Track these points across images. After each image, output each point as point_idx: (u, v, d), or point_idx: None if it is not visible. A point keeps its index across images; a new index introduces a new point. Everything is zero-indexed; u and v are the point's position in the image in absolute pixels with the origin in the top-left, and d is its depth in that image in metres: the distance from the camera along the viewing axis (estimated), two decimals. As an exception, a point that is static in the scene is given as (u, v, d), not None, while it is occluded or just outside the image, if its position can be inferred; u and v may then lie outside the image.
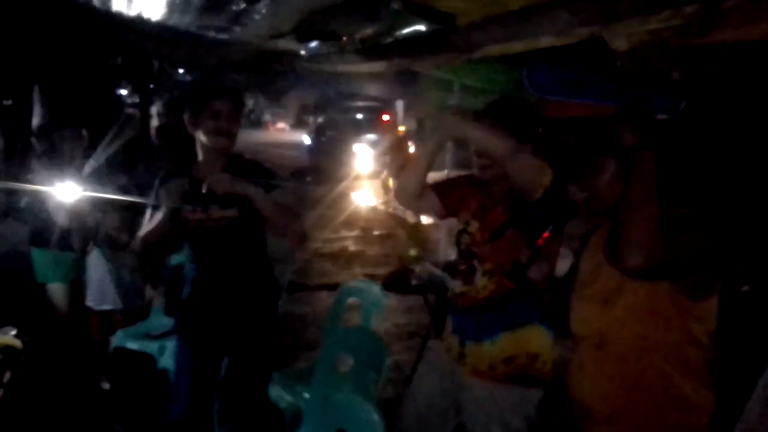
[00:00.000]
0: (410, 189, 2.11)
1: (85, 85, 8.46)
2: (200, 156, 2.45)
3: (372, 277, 5.55)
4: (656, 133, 1.46)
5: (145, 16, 3.20)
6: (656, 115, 3.00)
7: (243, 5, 2.45)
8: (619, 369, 1.56)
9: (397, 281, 4.08)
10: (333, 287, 4.20)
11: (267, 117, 29.35)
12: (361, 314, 3.55)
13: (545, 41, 2.01)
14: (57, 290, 3.69)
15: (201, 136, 2.38)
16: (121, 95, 12.57)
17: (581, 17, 1.83)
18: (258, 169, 2.45)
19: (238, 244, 2.44)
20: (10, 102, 9.10)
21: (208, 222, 2.35)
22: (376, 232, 8.67)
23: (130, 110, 10.44)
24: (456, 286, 2.14)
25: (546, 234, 1.63)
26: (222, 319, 2.52)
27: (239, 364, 2.54)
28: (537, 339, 1.97)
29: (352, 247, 8.00)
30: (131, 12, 3.23)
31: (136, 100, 12.97)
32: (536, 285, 1.69)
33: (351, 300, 3.61)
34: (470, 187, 2.16)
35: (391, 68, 2.99)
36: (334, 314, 3.61)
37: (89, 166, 3.74)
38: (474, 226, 2.09)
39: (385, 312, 3.96)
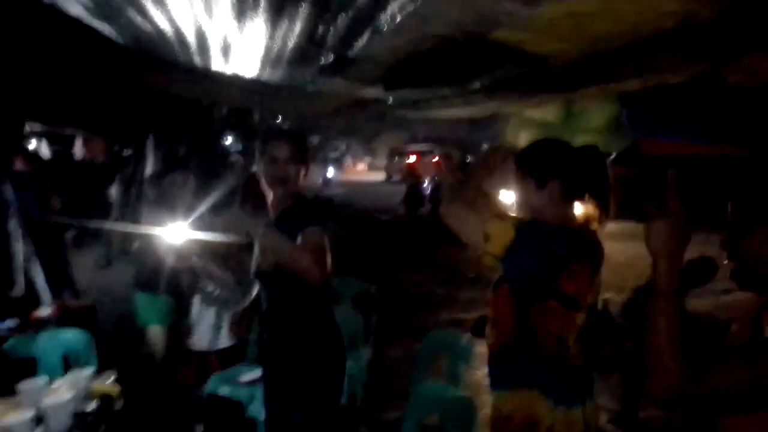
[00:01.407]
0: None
1: (194, 136, 9.06)
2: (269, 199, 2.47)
3: (461, 322, 5.36)
4: None
5: (241, 73, 3.35)
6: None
7: (330, 57, 2.48)
8: None
9: (484, 326, 3.87)
10: (421, 333, 4.09)
11: (348, 159, 30.89)
12: (448, 365, 3.39)
13: (650, 80, 1.85)
14: (156, 333, 3.83)
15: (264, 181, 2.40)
16: (226, 144, 13.39)
17: (691, 54, 1.66)
18: (322, 206, 2.43)
19: (293, 289, 2.40)
20: (130, 152, 9.91)
21: (266, 265, 2.34)
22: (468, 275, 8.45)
23: (234, 157, 11.03)
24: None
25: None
26: (284, 361, 2.49)
27: (303, 411, 2.49)
28: (536, 405, 1.75)
29: (439, 290, 7.83)
30: (228, 70, 3.40)
31: (240, 148, 13.80)
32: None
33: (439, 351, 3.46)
34: None
35: (483, 113, 2.91)
36: (420, 366, 3.47)
37: (196, 211, 3.90)
38: None
39: (475, 361, 3.78)
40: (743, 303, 1.41)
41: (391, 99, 3.31)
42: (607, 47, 1.89)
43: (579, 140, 3.80)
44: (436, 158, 16.18)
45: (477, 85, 2.53)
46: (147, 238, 3.72)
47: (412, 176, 14.40)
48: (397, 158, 20.18)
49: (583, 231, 1.69)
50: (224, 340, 4.33)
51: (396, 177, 16.81)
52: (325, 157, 30.30)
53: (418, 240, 10.11)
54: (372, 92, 3.20)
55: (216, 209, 4.13)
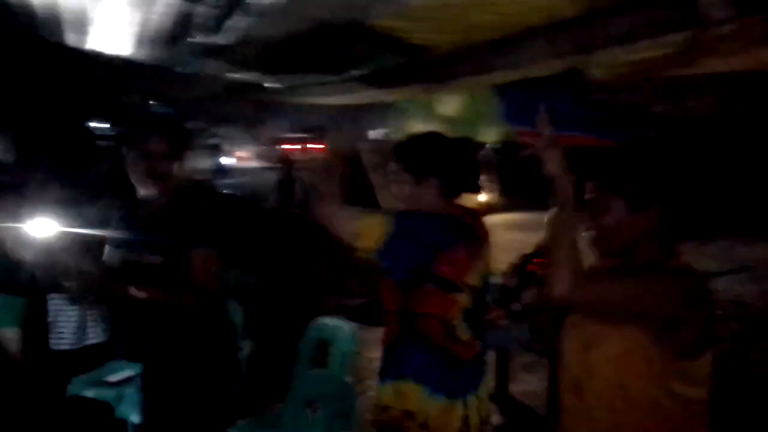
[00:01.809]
0: None
1: (52, 119, 8.29)
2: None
3: (347, 309, 5.38)
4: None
5: (109, 51, 3.08)
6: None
7: (203, 37, 2.33)
8: (593, 422, 1.44)
9: (369, 312, 3.92)
10: (305, 322, 4.04)
11: (226, 146, 30.37)
12: (332, 352, 3.39)
13: (518, 73, 1.93)
14: (9, 335, 3.46)
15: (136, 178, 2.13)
16: (90, 128, 12.36)
17: (556, 49, 1.76)
18: (207, 201, 2.24)
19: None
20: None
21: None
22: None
23: (103, 143, 10.26)
24: None
25: (537, 260, 1.52)
26: (166, 360, 2.35)
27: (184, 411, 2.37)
28: (410, 395, 1.83)
29: (324, 277, 7.79)
30: (96, 47, 3.12)
31: (108, 133, 12.80)
32: (531, 309, 1.57)
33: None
34: None
35: (361, 100, 2.91)
36: (303, 355, 3.43)
37: (56, 202, 3.53)
38: None
39: (359, 347, 3.81)
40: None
41: (269, 84, 3.21)
42: (480, 39, 1.95)
43: (458, 130, 3.93)
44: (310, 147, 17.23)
45: (356, 73, 2.52)
46: None
47: (285, 163, 14.36)
48: (272, 146, 20.99)
49: (458, 215, 1.72)
50: (89, 338, 4.02)
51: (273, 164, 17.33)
52: (213, 144, 29.25)
53: (300, 226, 9.99)
54: (250, 76, 3.09)
55: (78, 200, 3.80)
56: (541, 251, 1.53)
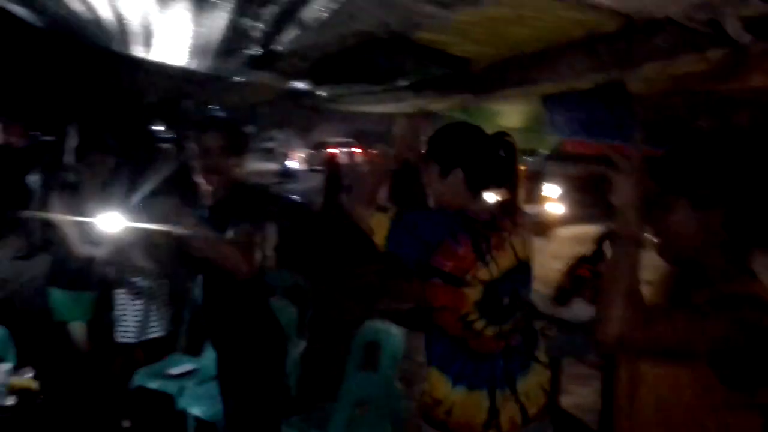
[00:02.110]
0: None
1: (120, 123, 8.73)
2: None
3: (396, 314, 5.45)
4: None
5: (169, 62, 3.28)
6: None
7: (256, 50, 2.47)
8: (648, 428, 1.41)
9: (417, 317, 3.96)
10: (356, 325, 4.14)
11: (281, 150, 31.10)
12: (381, 356, 3.47)
13: (561, 85, 1.95)
14: (77, 328, 3.70)
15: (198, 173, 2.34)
16: (154, 131, 12.93)
17: (598, 61, 1.77)
18: (262, 196, 2.40)
19: (224, 281, 2.35)
20: (53, 138, 9.46)
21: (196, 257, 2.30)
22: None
23: (165, 146, 10.72)
24: None
25: (587, 266, 1.50)
26: (221, 353, 2.48)
27: (239, 405, 2.49)
28: (437, 384, 1.85)
29: (375, 280, 7.90)
30: (156, 58, 3.32)
31: (171, 136, 13.37)
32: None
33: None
34: None
35: (407, 109, 2.98)
36: (353, 357, 3.53)
37: (124, 201, 3.75)
38: None
39: (407, 351, 3.87)
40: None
41: (321, 92, 3.33)
42: (523, 52, 1.99)
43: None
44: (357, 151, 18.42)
45: (403, 82, 2.59)
46: (67, 230, 3.56)
47: (331, 166, 15.17)
48: (318, 151, 21.93)
49: (470, 210, 1.69)
50: (153, 332, 4.25)
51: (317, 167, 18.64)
52: (267, 147, 30.18)
53: (350, 230, 10.10)
54: (300, 85, 3.21)
55: (145, 199, 4.02)
56: (592, 258, 1.50)
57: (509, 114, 3.20)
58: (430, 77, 2.51)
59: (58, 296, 3.65)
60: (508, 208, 1.75)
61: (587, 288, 1.55)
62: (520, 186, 1.79)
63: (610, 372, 1.55)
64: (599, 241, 1.47)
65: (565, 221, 10.53)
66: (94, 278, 3.65)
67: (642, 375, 1.42)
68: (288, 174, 19.82)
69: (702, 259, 1.34)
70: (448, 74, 2.36)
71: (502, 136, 1.72)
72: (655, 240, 1.36)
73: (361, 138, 19.13)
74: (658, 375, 1.36)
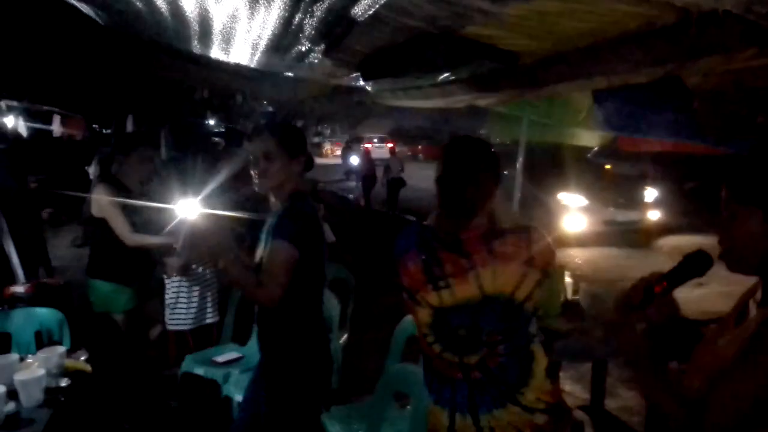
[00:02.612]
0: None
1: (172, 115, 8.99)
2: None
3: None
4: None
5: (223, 58, 3.37)
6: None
7: (306, 46, 2.50)
8: None
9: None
10: (397, 318, 4.17)
11: (327, 145, 31.69)
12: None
13: (615, 80, 1.91)
14: (123, 317, 3.76)
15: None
16: (207, 125, 13.29)
17: (654, 56, 1.73)
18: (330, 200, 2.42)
19: None
20: (110, 131, 9.83)
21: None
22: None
23: (215, 139, 10.99)
24: None
25: (665, 284, 1.45)
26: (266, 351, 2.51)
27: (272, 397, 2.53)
28: (432, 406, 1.80)
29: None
30: (217, 55, 3.42)
31: (222, 129, 13.72)
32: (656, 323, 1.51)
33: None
34: None
35: (455, 104, 2.97)
36: (394, 349, 3.56)
37: (187, 191, 3.77)
38: None
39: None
40: (716, 297, 1.47)
41: (369, 88, 3.36)
42: (574, 46, 1.95)
43: (547, 134, 3.86)
44: (389, 145, 19.84)
45: (452, 77, 2.58)
46: (116, 221, 3.64)
47: (367, 160, 15.85)
48: (352, 145, 23.41)
49: (440, 229, 1.61)
50: (208, 318, 4.38)
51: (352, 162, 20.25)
52: (317, 142, 30.79)
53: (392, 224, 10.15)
54: (351, 81, 3.25)
55: (209, 190, 4.10)
56: (671, 275, 1.44)
57: (559, 109, 3.15)
58: (479, 72, 2.49)
59: (99, 287, 3.72)
60: (490, 232, 1.58)
61: (653, 304, 1.49)
62: (492, 206, 1.60)
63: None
64: (685, 259, 1.40)
65: (667, 230, 9.63)
66: (139, 268, 3.73)
67: (714, 394, 1.36)
68: (352, 171, 19.69)
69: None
70: (497, 69, 2.33)
71: (458, 142, 1.62)
72: (719, 245, 1.31)
73: (408, 134, 19.39)
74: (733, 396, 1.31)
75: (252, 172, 2.26)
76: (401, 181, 14.58)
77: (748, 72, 1.51)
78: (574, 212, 8.86)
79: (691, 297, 1.79)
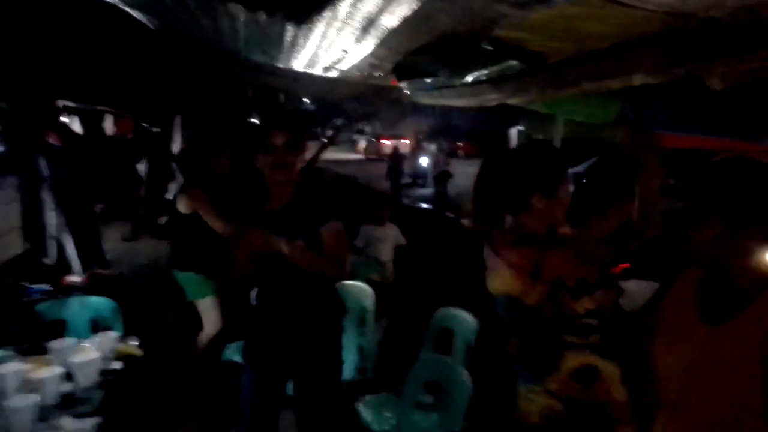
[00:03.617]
0: None
1: (221, 115, 9.27)
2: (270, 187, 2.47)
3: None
4: None
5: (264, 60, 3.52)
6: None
7: (344, 54, 2.63)
8: None
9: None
10: (433, 310, 4.26)
11: (363, 142, 31.91)
12: (455, 341, 3.56)
13: (639, 79, 1.96)
14: (207, 304, 4.00)
15: (264, 168, 2.42)
16: (253, 124, 13.61)
17: (676, 56, 1.77)
18: (341, 185, 2.53)
19: (299, 273, 2.43)
20: (158, 130, 10.20)
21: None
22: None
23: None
24: None
25: (626, 265, 1.52)
26: (285, 345, 2.60)
27: (303, 387, 2.64)
28: None
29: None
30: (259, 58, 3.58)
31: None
32: (602, 310, 1.58)
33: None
34: None
35: (486, 103, 3.04)
36: (428, 340, 3.66)
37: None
38: None
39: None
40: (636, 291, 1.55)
41: (404, 88, 3.46)
42: (598, 47, 2.01)
43: (583, 131, 3.86)
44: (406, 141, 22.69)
45: (482, 77, 2.66)
46: (181, 217, 3.86)
47: (393, 155, 17.38)
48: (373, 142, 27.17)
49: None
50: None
51: (373, 156, 23.98)
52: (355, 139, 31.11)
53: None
54: (386, 80, 3.36)
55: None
56: (633, 260, 1.51)
57: (591, 108, 3.18)
58: (508, 72, 2.56)
59: (184, 279, 3.98)
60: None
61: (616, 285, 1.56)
62: None
63: (629, 364, 1.59)
64: (645, 244, 1.47)
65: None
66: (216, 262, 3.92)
67: (693, 380, 1.43)
68: (421, 175, 19.36)
69: (730, 266, 1.37)
70: (525, 69, 2.40)
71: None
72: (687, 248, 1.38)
73: (443, 132, 19.62)
74: (714, 381, 1.37)
75: (265, 164, 2.42)
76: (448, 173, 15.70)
77: (763, 71, 1.55)
78: None
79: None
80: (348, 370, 3.90)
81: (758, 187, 1.31)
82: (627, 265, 1.50)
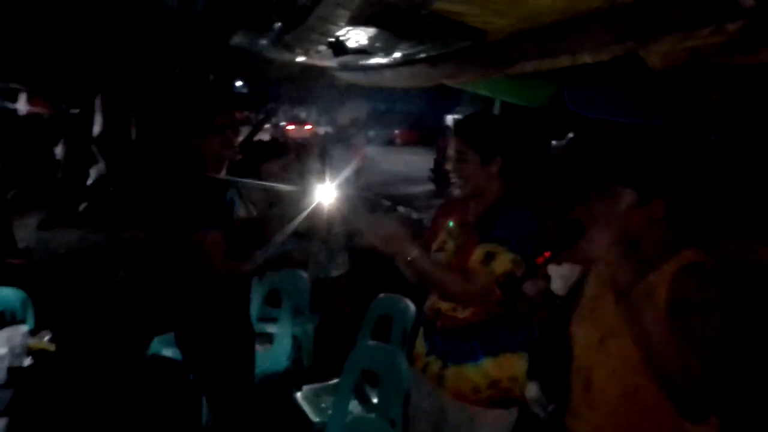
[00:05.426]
0: None
1: (144, 96, 8.79)
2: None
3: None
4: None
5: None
6: (708, 137, 2.83)
7: (279, 24, 2.47)
8: (608, 418, 1.43)
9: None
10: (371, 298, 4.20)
11: (283, 122, 31.45)
12: (393, 328, 3.50)
13: (580, 58, 1.93)
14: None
15: (212, 147, 2.33)
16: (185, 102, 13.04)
17: (616, 34, 1.75)
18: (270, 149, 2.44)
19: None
20: (77, 110, 9.59)
21: None
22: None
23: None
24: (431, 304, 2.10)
25: (547, 254, 1.50)
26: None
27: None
28: (519, 364, 1.93)
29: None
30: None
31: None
32: (532, 300, 1.56)
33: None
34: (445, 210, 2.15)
35: (424, 83, 2.96)
36: (363, 329, 3.58)
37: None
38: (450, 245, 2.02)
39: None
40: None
41: (338, 67, 3.33)
42: (541, 24, 1.96)
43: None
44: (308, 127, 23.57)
45: (420, 54, 2.58)
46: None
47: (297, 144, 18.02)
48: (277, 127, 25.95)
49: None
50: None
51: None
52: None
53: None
54: (320, 61, 3.22)
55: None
56: (553, 246, 1.50)
57: (528, 91, 3.16)
58: (447, 50, 2.49)
59: None
60: None
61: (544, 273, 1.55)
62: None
63: (561, 352, 1.59)
64: (563, 229, 1.46)
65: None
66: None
67: (602, 350, 1.45)
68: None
69: (640, 241, 1.40)
70: (465, 47, 2.34)
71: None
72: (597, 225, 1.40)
73: (382, 119, 19.43)
74: (619, 349, 1.39)
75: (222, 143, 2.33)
76: None
77: (704, 48, 1.54)
78: None
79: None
80: (282, 361, 3.78)
81: (672, 156, 1.35)
82: (548, 253, 1.46)
